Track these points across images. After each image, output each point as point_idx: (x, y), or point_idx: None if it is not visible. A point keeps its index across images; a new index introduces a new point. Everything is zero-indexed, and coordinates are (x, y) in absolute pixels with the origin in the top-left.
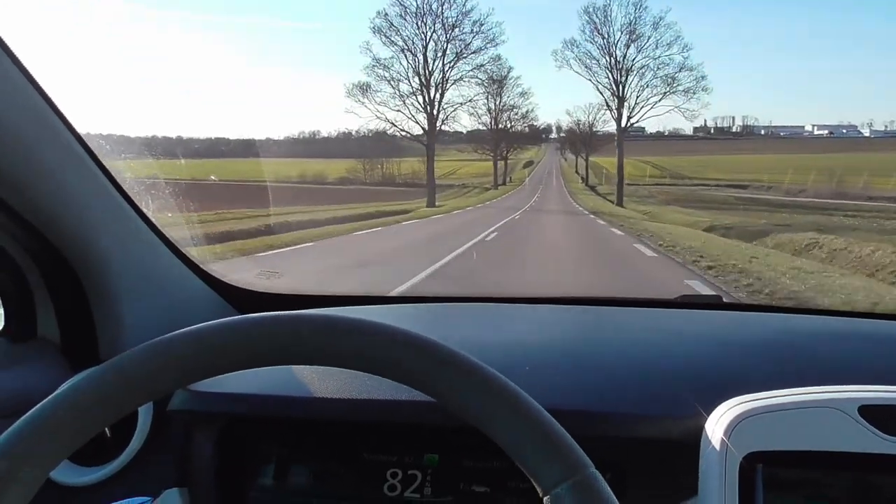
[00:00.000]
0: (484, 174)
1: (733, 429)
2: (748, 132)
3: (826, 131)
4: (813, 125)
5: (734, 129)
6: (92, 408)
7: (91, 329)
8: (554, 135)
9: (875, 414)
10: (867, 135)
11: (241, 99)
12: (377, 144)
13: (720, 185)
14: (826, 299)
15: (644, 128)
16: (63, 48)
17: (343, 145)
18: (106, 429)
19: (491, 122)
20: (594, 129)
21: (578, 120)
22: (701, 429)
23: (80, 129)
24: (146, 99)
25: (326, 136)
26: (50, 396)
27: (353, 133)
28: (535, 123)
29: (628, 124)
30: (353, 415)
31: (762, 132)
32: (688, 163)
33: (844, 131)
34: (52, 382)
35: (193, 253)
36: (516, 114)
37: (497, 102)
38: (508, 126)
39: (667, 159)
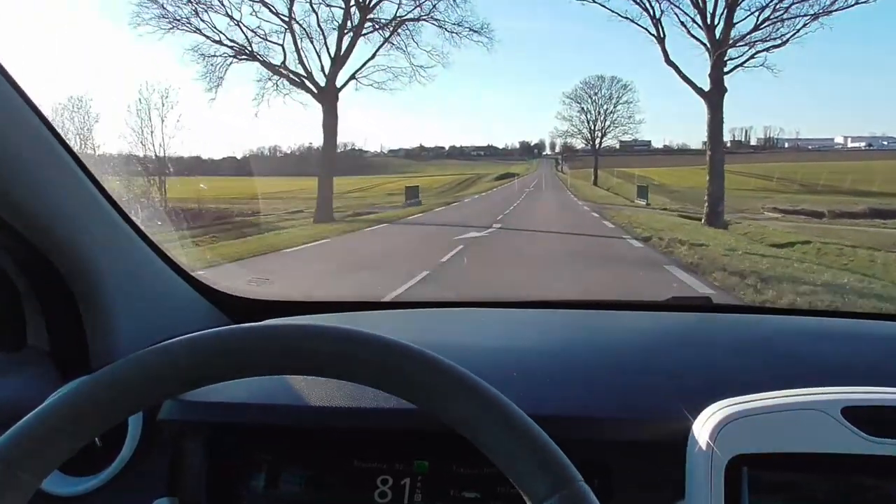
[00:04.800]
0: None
1: (719, 432)
2: (770, 145)
3: (863, 143)
4: (845, 137)
5: (753, 143)
6: (83, 417)
7: (82, 338)
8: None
9: (858, 415)
10: None
11: None
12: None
13: None
14: None
15: (650, 141)
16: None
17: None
18: (96, 438)
19: None
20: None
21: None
22: (687, 431)
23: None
24: None
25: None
26: (41, 406)
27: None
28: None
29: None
30: (343, 422)
31: (786, 145)
32: (788, 170)
33: (885, 143)
34: (42, 392)
35: (184, 261)
36: None
37: None
38: None
39: (768, 166)
